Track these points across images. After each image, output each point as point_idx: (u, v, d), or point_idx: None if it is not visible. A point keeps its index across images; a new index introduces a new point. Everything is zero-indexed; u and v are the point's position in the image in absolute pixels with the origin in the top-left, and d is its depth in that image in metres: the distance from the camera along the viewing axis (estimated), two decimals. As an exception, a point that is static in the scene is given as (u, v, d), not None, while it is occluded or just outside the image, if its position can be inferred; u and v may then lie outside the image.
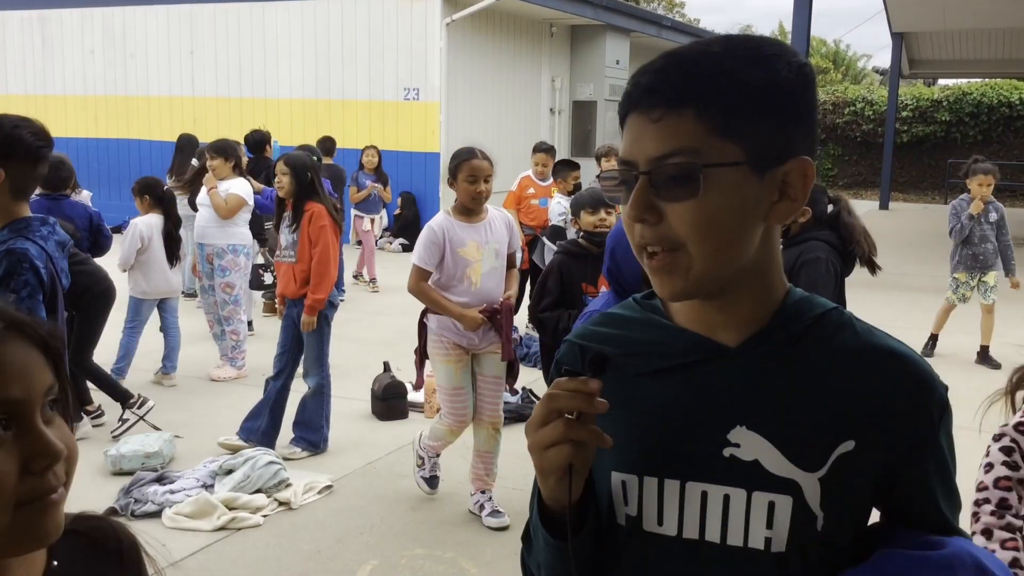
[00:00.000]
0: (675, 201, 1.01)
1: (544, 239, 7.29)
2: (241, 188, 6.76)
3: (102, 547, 1.06)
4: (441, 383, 4.38)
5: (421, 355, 4.51)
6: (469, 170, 4.17)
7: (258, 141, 8.97)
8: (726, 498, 1.07)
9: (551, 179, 7.77)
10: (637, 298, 1.20)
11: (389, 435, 5.57)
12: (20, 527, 0.85)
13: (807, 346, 1.08)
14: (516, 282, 4.51)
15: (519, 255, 4.97)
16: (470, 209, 4.26)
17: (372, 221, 10.42)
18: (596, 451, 1.10)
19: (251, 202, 6.84)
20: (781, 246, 1.14)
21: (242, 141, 8.48)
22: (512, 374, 4.45)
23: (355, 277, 10.33)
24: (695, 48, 1.04)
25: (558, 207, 7.32)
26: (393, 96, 13.64)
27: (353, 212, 10.42)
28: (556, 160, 7.95)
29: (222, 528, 4.20)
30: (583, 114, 16.81)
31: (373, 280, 10.17)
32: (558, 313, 4.11)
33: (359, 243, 10.80)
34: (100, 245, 5.87)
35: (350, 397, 6.06)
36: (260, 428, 5.12)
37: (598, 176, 5.83)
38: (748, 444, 1.06)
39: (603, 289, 4.12)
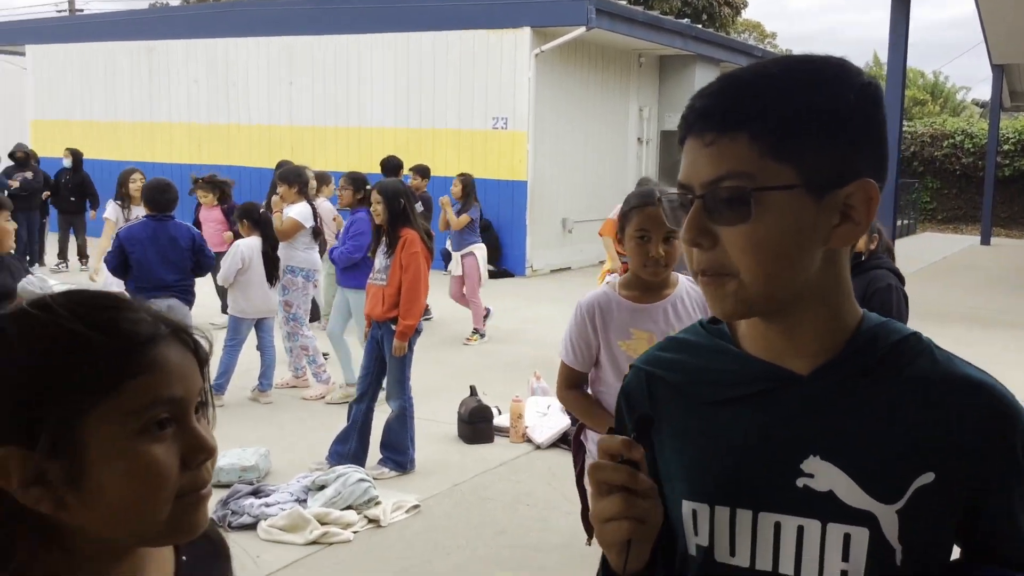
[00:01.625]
0: (728, 225, 1.00)
1: None
2: (298, 212, 6.99)
3: (221, 548, 1.13)
4: None
5: (580, 481, 3.27)
6: (640, 222, 2.90)
7: (394, 167, 9.41)
8: (800, 529, 1.04)
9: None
10: (704, 322, 1.18)
11: (475, 458, 5.65)
12: (175, 519, 0.90)
13: (884, 373, 1.05)
14: None
15: None
16: (644, 282, 3.00)
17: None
18: (667, 477, 1.12)
19: (308, 225, 7.03)
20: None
21: (379, 167, 9.20)
22: None
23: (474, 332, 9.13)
24: (752, 70, 1.03)
25: None
26: (482, 125, 13.87)
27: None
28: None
29: (314, 542, 4.32)
30: (671, 144, 16.78)
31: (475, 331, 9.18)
32: None
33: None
34: (201, 265, 6.13)
35: (436, 420, 6.16)
36: (350, 451, 5.24)
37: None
38: (822, 474, 1.04)
39: None
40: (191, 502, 0.91)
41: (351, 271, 6.64)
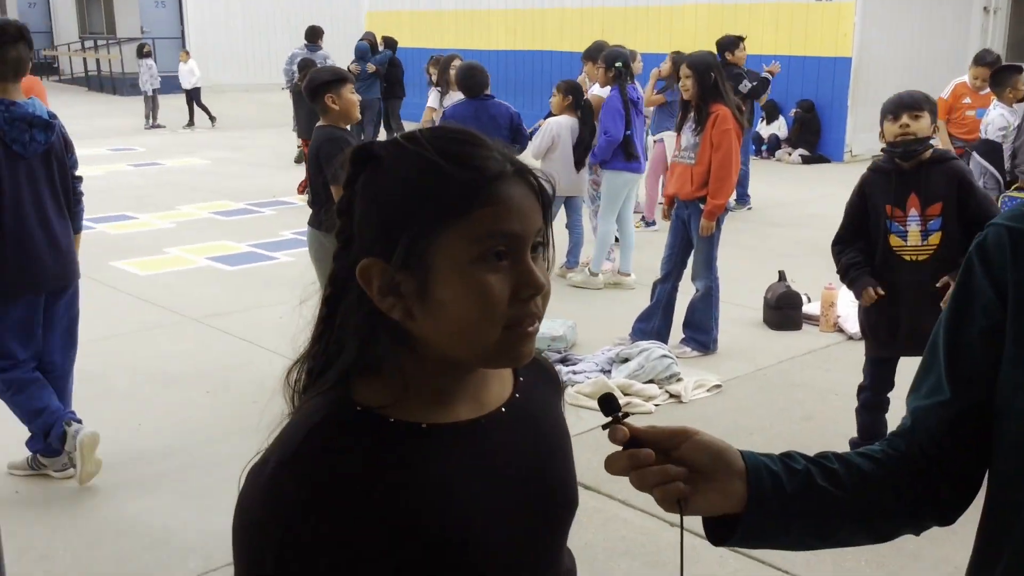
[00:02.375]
0: None
1: (975, 154, 6.56)
2: (600, 92, 6.88)
3: (552, 376, 1.22)
4: None
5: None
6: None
7: (729, 43, 8.90)
8: None
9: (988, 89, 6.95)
10: None
11: (781, 344, 5.51)
12: (503, 346, 0.98)
13: None
14: None
15: None
16: None
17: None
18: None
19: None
20: None
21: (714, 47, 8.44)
22: None
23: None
24: None
25: (1000, 119, 6.24)
26: (805, -3, 12.95)
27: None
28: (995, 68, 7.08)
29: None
30: (1025, 13, 14.73)
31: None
32: (839, 249, 3.76)
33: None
34: (518, 143, 6.36)
35: (740, 304, 6.06)
36: (653, 329, 5.31)
37: None
38: None
39: (912, 211, 3.59)
40: (519, 334, 0.99)
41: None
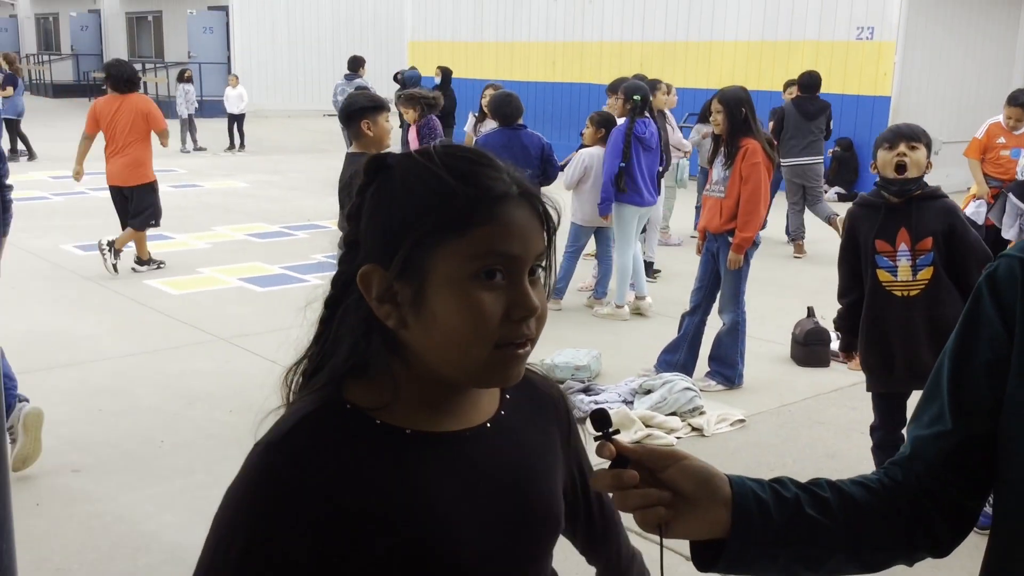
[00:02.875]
0: None
1: (1010, 195, 6.48)
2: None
3: (547, 396, 1.22)
4: None
5: None
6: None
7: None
8: None
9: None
10: None
11: (807, 381, 5.45)
12: (491, 365, 1.00)
13: None
14: None
15: None
16: None
17: None
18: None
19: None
20: None
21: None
22: None
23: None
24: None
25: None
26: (844, 35, 12.92)
27: None
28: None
29: (637, 443, 4.43)
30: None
31: None
32: (845, 303, 3.71)
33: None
34: (547, 174, 6.40)
35: (768, 339, 6.01)
36: (679, 361, 5.28)
37: None
38: None
39: (903, 246, 3.48)
40: (509, 355, 1.00)
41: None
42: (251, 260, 8.38)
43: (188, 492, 3.92)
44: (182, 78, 17.59)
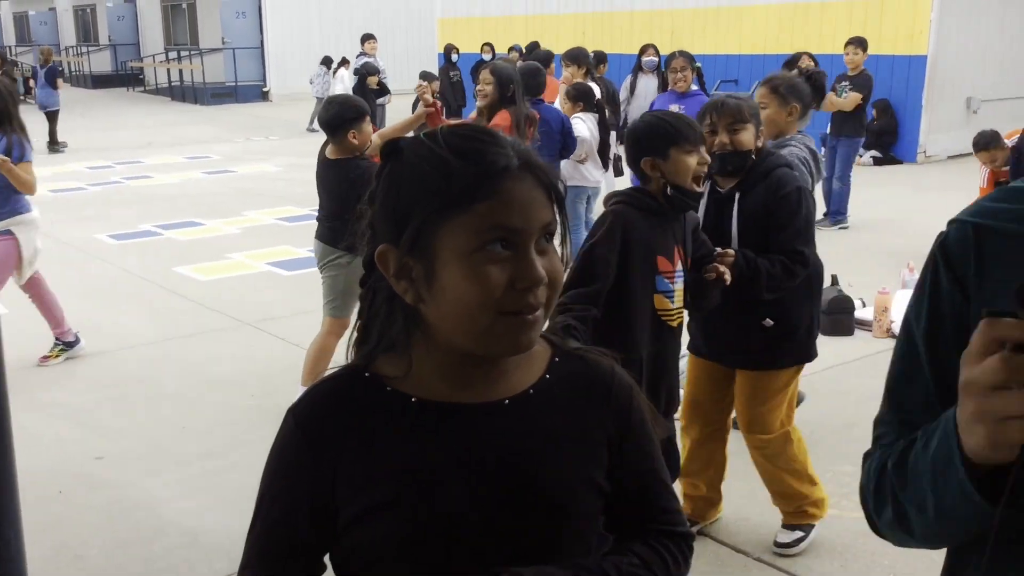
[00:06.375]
0: None
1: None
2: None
3: (595, 381, 1.18)
4: None
5: None
6: None
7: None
8: None
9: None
10: None
11: (830, 350, 5.32)
12: (498, 331, 1.04)
13: None
14: None
15: None
16: None
17: None
18: None
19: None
20: None
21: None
22: None
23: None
24: None
25: None
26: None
27: None
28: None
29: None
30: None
31: None
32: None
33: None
34: (567, 147, 6.36)
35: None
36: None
37: None
38: None
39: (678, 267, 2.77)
40: (516, 322, 1.04)
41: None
42: (280, 244, 8.46)
43: (205, 477, 3.99)
44: (329, 64, 17.37)
